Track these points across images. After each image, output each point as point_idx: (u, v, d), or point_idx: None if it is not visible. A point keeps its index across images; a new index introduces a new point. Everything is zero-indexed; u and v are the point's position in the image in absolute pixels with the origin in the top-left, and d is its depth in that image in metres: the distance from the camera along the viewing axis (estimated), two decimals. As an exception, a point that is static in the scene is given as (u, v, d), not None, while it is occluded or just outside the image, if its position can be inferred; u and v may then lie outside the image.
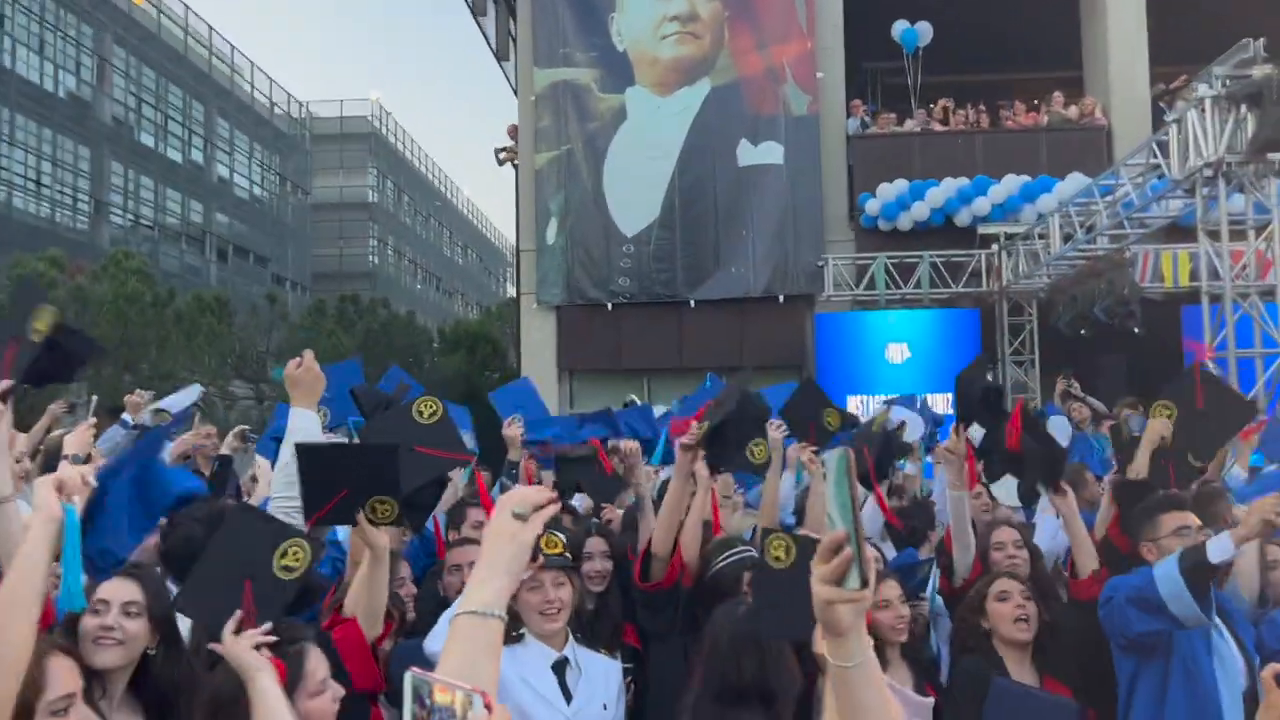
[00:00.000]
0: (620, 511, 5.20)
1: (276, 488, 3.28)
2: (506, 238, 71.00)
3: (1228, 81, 9.28)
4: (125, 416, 6.42)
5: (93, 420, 4.07)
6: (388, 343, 30.62)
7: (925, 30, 16.35)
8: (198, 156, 36.52)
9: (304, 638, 2.46)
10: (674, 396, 14.55)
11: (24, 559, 1.99)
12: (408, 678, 1.24)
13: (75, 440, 3.72)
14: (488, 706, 1.23)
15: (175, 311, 20.72)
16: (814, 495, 4.53)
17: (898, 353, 15.31)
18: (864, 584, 1.42)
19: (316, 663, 2.43)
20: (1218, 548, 3.13)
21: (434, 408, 3.75)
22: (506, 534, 1.53)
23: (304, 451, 3.44)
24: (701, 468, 4.24)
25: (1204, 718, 3.21)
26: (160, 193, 33.90)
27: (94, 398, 4.37)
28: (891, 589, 3.68)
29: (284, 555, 2.57)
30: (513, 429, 5.54)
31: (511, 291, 61.73)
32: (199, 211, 36.32)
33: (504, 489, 5.17)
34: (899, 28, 16.54)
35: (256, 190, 40.85)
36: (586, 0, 17.01)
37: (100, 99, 31.08)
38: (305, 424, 3.37)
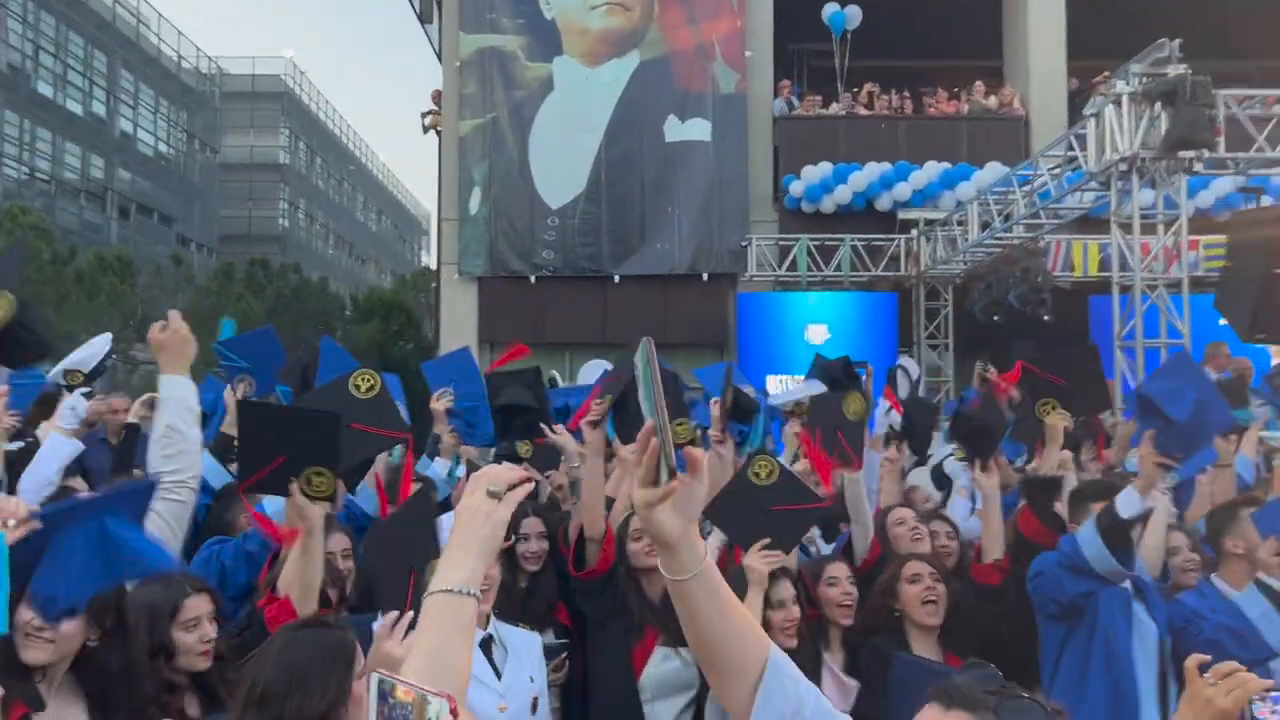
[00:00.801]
0: (567, 480, 5.17)
1: (154, 463, 3.08)
2: (423, 205, 69.88)
3: (1144, 79, 9.57)
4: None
5: (3, 389, 3.83)
6: (299, 309, 29.95)
7: (854, 14, 16.51)
8: (99, 109, 34.95)
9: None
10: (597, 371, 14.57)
11: None
12: (372, 679, 1.24)
13: None
14: (453, 713, 1.20)
15: (75, 270, 19.87)
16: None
17: (818, 334, 15.53)
18: (672, 475, 1.37)
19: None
20: (1126, 502, 3.37)
21: (372, 381, 3.64)
22: (481, 513, 1.51)
23: (246, 410, 3.34)
24: (628, 453, 4.30)
25: (1120, 688, 3.40)
26: (58, 145, 32.38)
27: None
28: (839, 569, 3.74)
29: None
30: (440, 403, 5.42)
31: (427, 260, 60.81)
32: (100, 167, 34.81)
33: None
34: (828, 10, 16.66)
35: (162, 147, 39.31)
36: (516, -34, 16.73)
37: (-7, 44, 29.50)
38: (178, 391, 3.14)
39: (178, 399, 3.10)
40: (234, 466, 4.50)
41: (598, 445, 3.85)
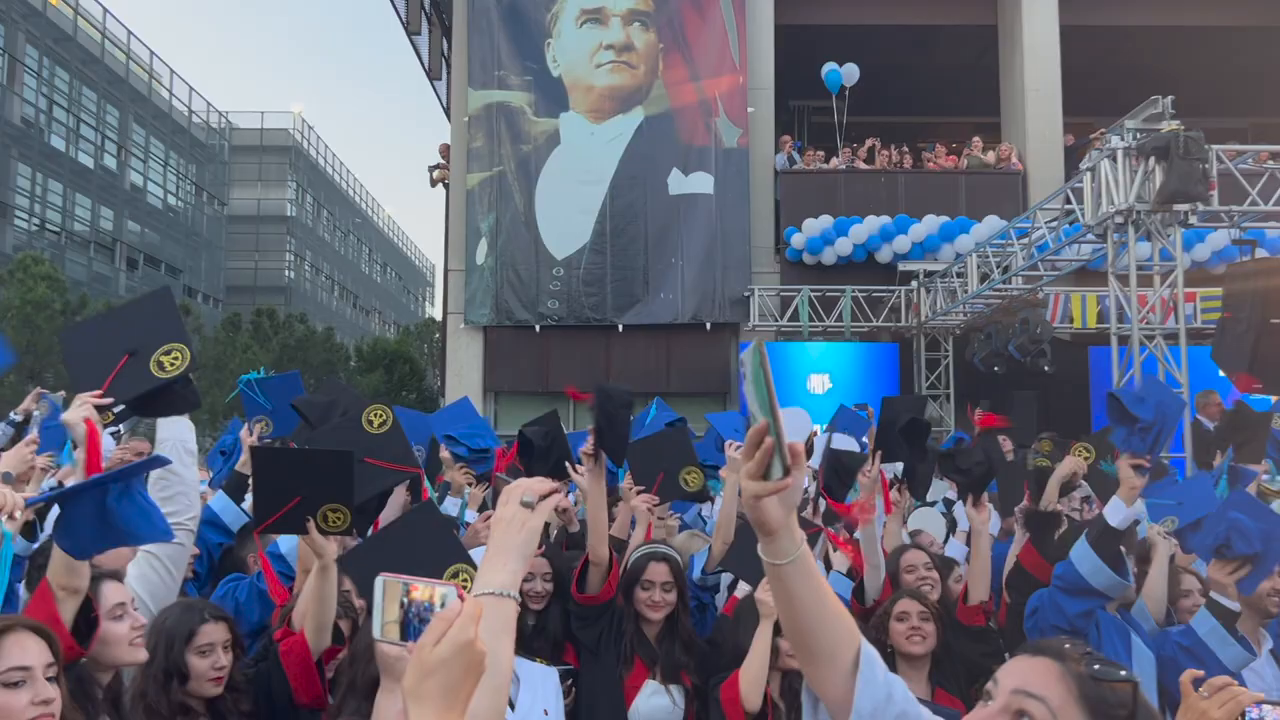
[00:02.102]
0: (571, 501, 5.25)
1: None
2: (427, 257, 70.43)
3: (1138, 134, 9.80)
4: (13, 414, 6.32)
5: (33, 436, 3.92)
6: (304, 359, 30.10)
7: (851, 72, 16.86)
8: (110, 162, 35.50)
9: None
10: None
11: None
12: (379, 581, 1.30)
13: (13, 459, 3.52)
14: (460, 598, 1.29)
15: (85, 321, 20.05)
16: (725, 506, 4.58)
17: (819, 383, 15.67)
18: (786, 473, 1.44)
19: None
20: (1113, 511, 3.48)
21: (384, 416, 3.72)
22: (517, 521, 1.61)
23: (259, 455, 3.42)
24: (641, 503, 4.43)
25: None
26: (69, 198, 32.84)
27: (36, 412, 4.19)
28: (913, 605, 3.78)
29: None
30: (447, 452, 5.54)
31: (430, 311, 61.13)
32: (109, 219, 35.26)
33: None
34: (825, 69, 17.03)
35: (171, 199, 39.85)
36: (522, 25, 17.12)
37: (9, 99, 30.04)
38: (176, 432, 3.19)
39: (176, 440, 3.15)
40: (248, 505, 4.61)
41: (597, 473, 3.95)
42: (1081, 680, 1.43)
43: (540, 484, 1.66)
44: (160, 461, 2.69)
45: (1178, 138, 9.28)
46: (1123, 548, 3.53)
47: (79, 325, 3.49)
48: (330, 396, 4.42)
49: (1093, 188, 10.48)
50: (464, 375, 17.05)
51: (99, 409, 2.84)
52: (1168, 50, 18.02)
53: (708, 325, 16.81)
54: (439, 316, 43.53)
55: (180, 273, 39.67)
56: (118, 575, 2.87)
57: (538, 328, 16.82)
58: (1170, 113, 9.69)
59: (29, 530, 3.50)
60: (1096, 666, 1.45)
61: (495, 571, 1.55)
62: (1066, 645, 1.49)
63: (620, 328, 16.74)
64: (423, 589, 1.29)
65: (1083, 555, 3.44)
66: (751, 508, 1.49)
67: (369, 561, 2.96)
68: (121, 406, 3.02)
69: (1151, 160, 9.63)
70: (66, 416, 2.85)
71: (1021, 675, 1.48)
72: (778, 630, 3.45)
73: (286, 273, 46.39)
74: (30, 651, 2.04)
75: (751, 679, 3.44)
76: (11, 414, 6.48)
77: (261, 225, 45.24)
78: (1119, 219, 9.95)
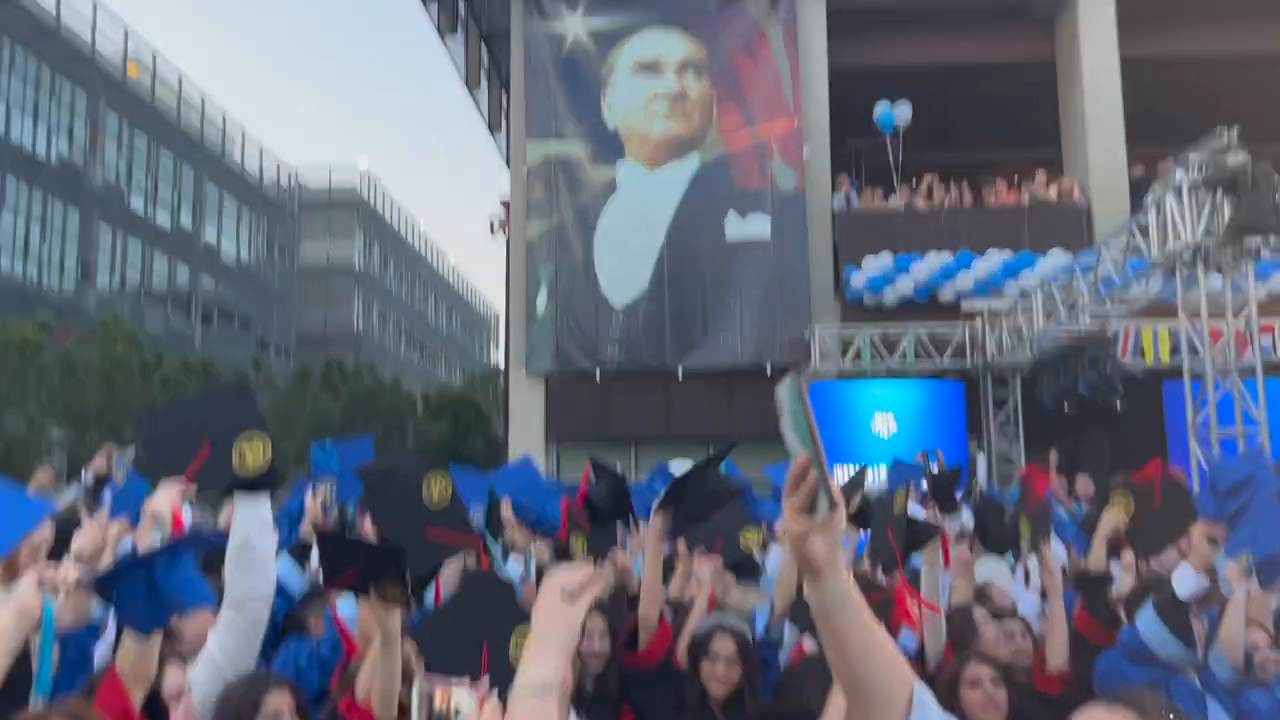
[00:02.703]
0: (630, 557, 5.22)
1: (230, 576, 3.14)
2: (490, 304, 71.33)
3: (1204, 168, 9.59)
4: (85, 473, 6.45)
5: (104, 517, 4.03)
6: (372, 408, 30.59)
7: (904, 112, 16.81)
8: (186, 222, 36.74)
9: None
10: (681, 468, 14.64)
11: None
12: (417, 684, 1.37)
13: (86, 539, 3.49)
14: (480, 701, 1.30)
15: (162, 377, 20.68)
16: (786, 561, 4.49)
17: (884, 423, 15.44)
18: (833, 506, 1.39)
19: None
20: (1182, 581, 3.34)
21: (443, 487, 3.76)
22: (557, 613, 1.60)
23: (324, 540, 3.49)
24: (704, 567, 4.38)
25: None
26: (148, 256, 34.03)
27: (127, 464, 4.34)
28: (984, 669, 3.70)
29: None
30: (508, 510, 5.58)
31: (494, 357, 61.89)
32: (185, 275, 36.44)
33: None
34: (878, 110, 16.99)
35: (244, 255, 41.05)
36: (578, 78, 17.42)
37: (92, 164, 31.34)
38: (254, 506, 3.18)
39: (253, 514, 3.17)
40: (309, 569, 4.69)
41: (657, 533, 3.94)
42: None
43: (580, 574, 1.66)
44: (202, 542, 2.78)
45: (1245, 170, 9.07)
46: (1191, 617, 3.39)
47: (159, 411, 3.61)
48: (393, 463, 4.49)
49: (1159, 222, 10.27)
50: (527, 423, 17.20)
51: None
52: (1231, 77, 17.66)
53: (769, 369, 16.74)
54: (503, 363, 44.10)
55: (253, 325, 40.75)
56: (182, 656, 2.93)
57: (598, 375, 16.92)
58: (1236, 144, 9.48)
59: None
60: (1172, 718, 1.43)
61: (539, 665, 1.54)
62: (1146, 698, 1.45)
63: (680, 373, 16.76)
64: (442, 694, 1.32)
65: (1149, 625, 3.31)
66: (797, 547, 1.44)
67: (436, 639, 3.05)
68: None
69: (1219, 193, 9.41)
70: (150, 504, 2.93)
71: None
72: None
73: (355, 322, 47.38)
74: None
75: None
76: (84, 473, 6.63)
77: (330, 278, 46.35)
78: (1186, 254, 9.72)
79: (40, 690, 2.18)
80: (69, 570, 2.25)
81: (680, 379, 16.82)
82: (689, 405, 16.66)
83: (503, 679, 2.90)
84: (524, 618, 3.05)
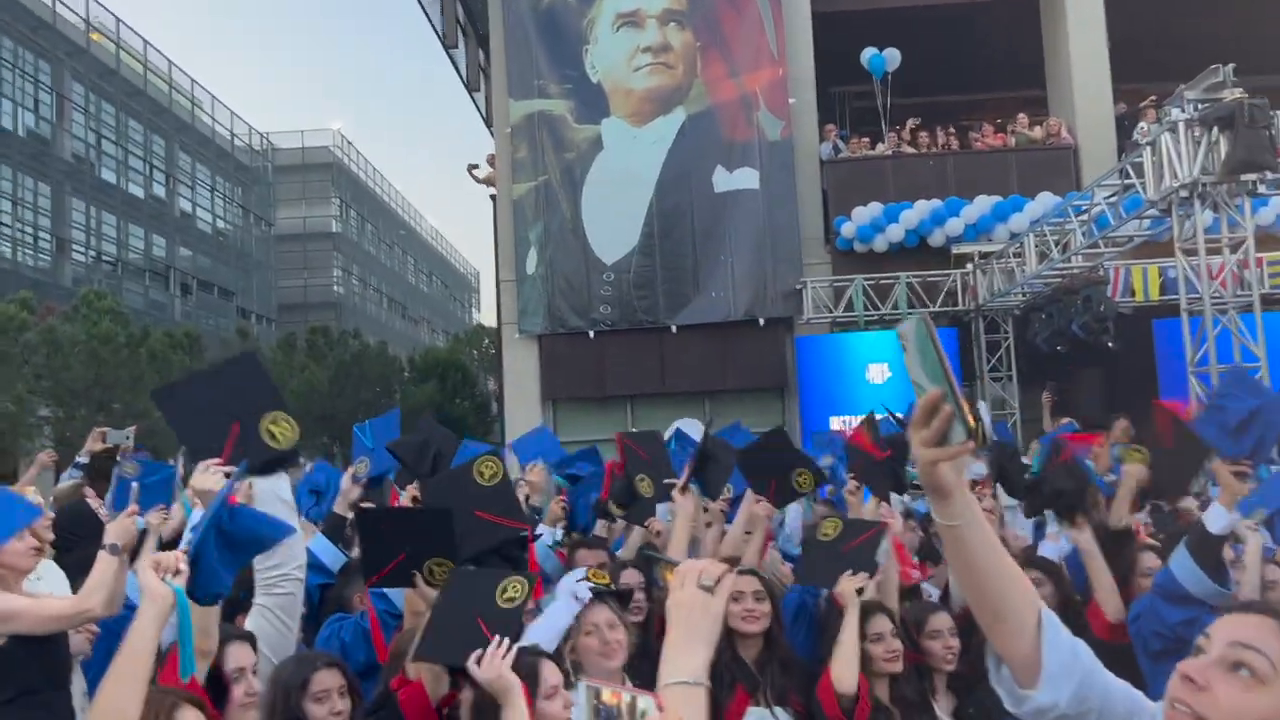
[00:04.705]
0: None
1: (256, 559, 3.09)
2: (472, 264, 70.99)
3: (1199, 105, 9.56)
4: (79, 457, 6.38)
5: (133, 509, 3.97)
6: (360, 374, 30.48)
7: (893, 56, 16.66)
8: (160, 191, 36.21)
9: (537, 653, 2.84)
10: (658, 422, 14.65)
11: (133, 639, 2.12)
12: (581, 687, 1.38)
13: (118, 530, 3.54)
14: (659, 708, 1.30)
15: (149, 350, 20.47)
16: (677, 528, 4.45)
17: (878, 373, 15.51)
18: (969, 434, 1.45)
19: (549, 672, 2.78)
20: (1213, 518, 3.39)
21: (495, 469, 3.72)
22: (699, 606, 1.60)
23: (363, 516, 3.48)
24: (761, 510, 4.43)
25: None
26: (123, 229, 33.55)
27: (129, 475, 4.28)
28: (942, 620, 3.79)
29: (504, 591, 2.80)
30: (536, 474, 5.57)
31: (478, 318, 61.64)
32: (162, 246, 35.98)
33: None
34: (867, 55, 16.83)
35: (220, 223, 40.55)
36: (559, 33, 17.14)
37: (60, 136, 30.75)
38: (270, 485, 3.15)
39: (270, 493, 3.15)
40: (346, 548, 4.68)
41: (688, 509, 3.96)
42: None
43: (715, 567, 1.66)
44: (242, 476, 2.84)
45: (1242, 106, 9.04)
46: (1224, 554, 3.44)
47: (168, 388, 3.56)
48: (422, 436, 4.48)
49: (1153, 161, 10.26)
50: (521, 385, 17.17)
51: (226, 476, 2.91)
52: (1210, 11, 17.55)
53: (761, 321, 16.75)
54: (487, 323, 43.96)
55: (233, 295, 40.37)
56: (248, 638, 2.93)
57: (591, 334, 16.88)
58: (1232, 80, 9.45)
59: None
60: None
61: (686, 659, 1.54)
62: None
63: (674, 329, 16.74)
64: (612, 694, 1.30)
65: (1182, 563, 3.35)
66: (928, 474, 1.52)
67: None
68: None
69: (1215, 130, 9.40)
70: (200, 483, 2.93)
71: (1238, 630, 1.48)
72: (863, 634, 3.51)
73: (335, 288, 47.02)
74: None
75: (844, 662, 3.45)
76: (78, 458, 6.53)
77: (308, 243, 45.89)
78: (1183, 193, 9.73)
79: (185, 674, 2.25)
80: (178, 554, 2.29)
81: (674, 333, 16.80)
82: (683, 360, 16.66)
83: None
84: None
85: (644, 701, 1.29)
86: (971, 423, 1.43)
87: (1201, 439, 4.12)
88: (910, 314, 1.42)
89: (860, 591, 3.60)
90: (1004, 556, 1.57)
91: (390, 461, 4.73)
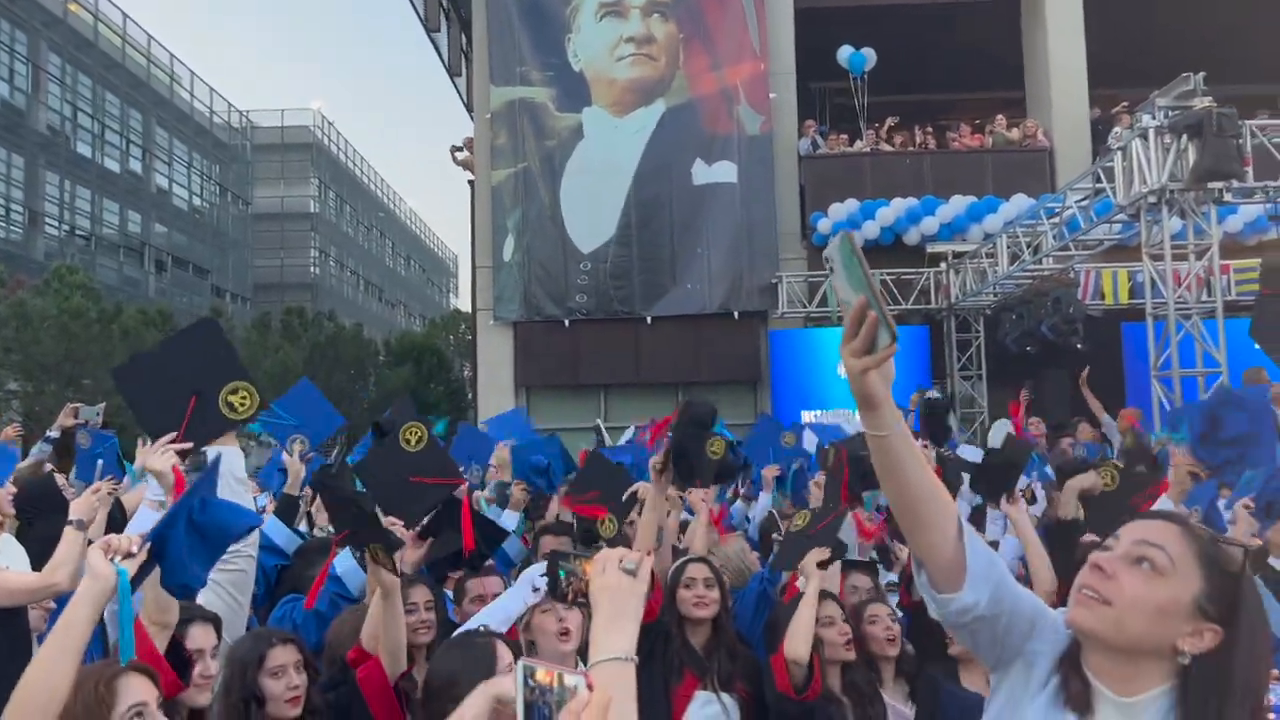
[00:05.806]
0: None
1: None
2: (450, 249, 70.69)
3: (1169, 113, 9.71)
4: (50, 432, 6.41)
5: (99, 485, 3.98)
6: (335, 356, 30.33)
7: (870, 55, 16.75)
8: (136, 166, 35.82)
9: (490, 634, 2.80)
10: (631, 411, 14.71)
11: (69, 614, 2.11)
12: (519, 665, 1.39)
13: (82, 506, 3.56)
14: (589, 687, 1.35)
15: (121, 327, 20.30)
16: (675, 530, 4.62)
17: (850, 368, 15.63)
18: (893, 339, 1.51)
19: (503, 651, 2.67)
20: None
21: (419, 434, 3.83)
22: (625, 588, 1.65)
23: (325, 495, 3.54)
24: (697, 497, 4.50)
25: None
26: (97, 203, 33.19)
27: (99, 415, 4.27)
28: (881, 608, 3.88)
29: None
30: (503, 452, 5.63)
31: (455, 303, 61.42)
32: (137, 222, 35.62)
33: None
34: (844, 53, 16.92)
35: (196, 200, 40.18)
36: (542, 20, 17.11)
37: (35, 107, 30.36)
38: (225, 461, 3.15)
39: (226, 470, 3.13)
40: (300, 528, 4.71)
41: (660, 487, 4.02)
42: (1200, 540, 1.57)
43: (635, 553, 1.71)
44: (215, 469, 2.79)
45: (1211, 115, 9.20)
46: None
47: (131, 363, 3.53)
48: (403, 418, 4.52)
49: (1124, 167, 10.40)
50: (496, 371, 17.17)
51: (180, 454, 2.92)
52: (1186, 18, 17.72)
53: (736, 314, 16.82)
54: (464, 308, 43.78)
55: (208, 273, 40.04)
56: (213, 620, 2.95)
57: (567, 322, 16.90)
58: (1202, 89, 9.60)
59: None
60: (1213, 534, 1.60)
61: (615, 638, 1.59)
62: (1190, 518, 1.62)
63: (649, 319, 16.79)
64: (545, 673, 1.34)
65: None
66: (858, 384, 1.59)
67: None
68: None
69: (1184, 138, 9.55)
70: (150, 464, 2.93)
71: (1144, 531, 1.62)
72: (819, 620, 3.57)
73: (312, 269, 46.69)
74: (143, 689, 2.15)
75: (799, 630, 3.48)
76: (49, 432, 6.57)
77: (285, 223, 45.54)
78: (1152, 198, 9.88)
79: (125, 657, 2.26)
80: (133, 536, 2.29)
81: (649, 324, 16.85)
82: (657, 351, 16.72)
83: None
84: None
85: (572, 679, 1.34)
86: (892, 328, 1.50)
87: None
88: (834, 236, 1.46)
89: (822, 565, 3.69)
90: (927, 469, 1.66)
91: (326, 429, 4.77)
